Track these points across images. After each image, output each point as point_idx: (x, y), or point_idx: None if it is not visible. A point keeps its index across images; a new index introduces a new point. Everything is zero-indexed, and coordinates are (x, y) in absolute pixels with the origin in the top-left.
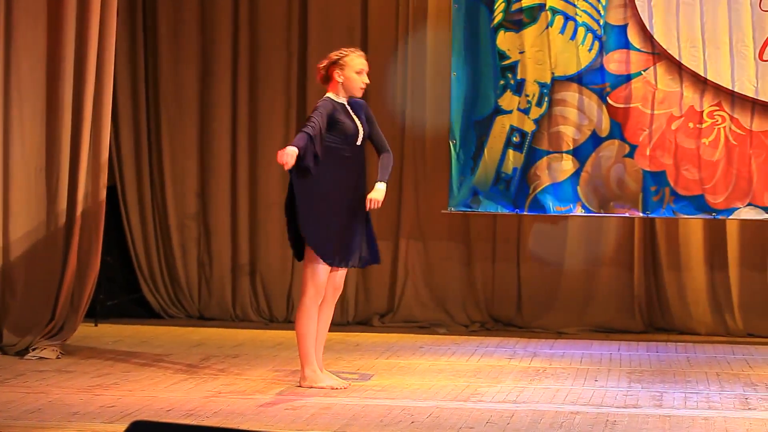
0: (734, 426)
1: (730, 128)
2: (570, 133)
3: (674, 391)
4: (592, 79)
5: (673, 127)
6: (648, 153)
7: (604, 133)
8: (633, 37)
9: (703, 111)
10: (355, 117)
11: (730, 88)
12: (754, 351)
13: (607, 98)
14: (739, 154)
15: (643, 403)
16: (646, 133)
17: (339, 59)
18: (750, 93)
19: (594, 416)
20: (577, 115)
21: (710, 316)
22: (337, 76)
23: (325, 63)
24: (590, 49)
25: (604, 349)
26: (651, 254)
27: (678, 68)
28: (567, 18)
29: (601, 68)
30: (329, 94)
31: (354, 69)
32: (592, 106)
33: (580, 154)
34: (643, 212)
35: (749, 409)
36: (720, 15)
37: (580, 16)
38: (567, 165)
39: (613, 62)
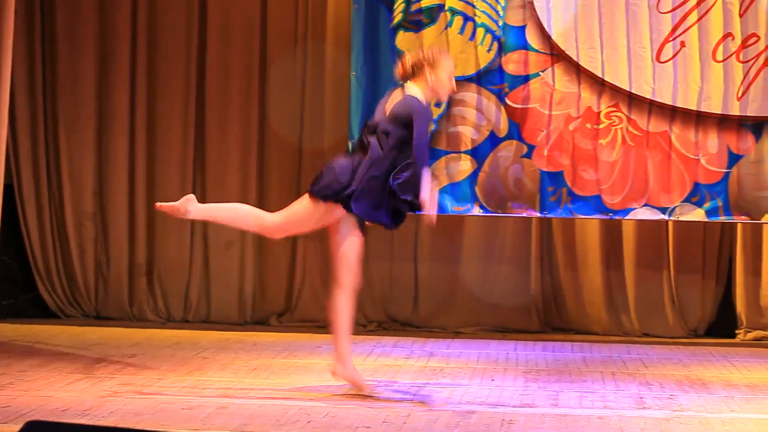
0: (629, 425)
1: (627, 129)
2: (468, 133)
3: (570, 391)
4: (491, 79)
5: (571, 128)
6: (546, 153)
7: (503, 134)
8: (531, 38)
9: (600, 112)
10: None
11: (628, 89)
12: (650, 350)
13: (506, 99)
14: (636, 155)
15: (539, 402)
16: (543, 134)
17: (432, 57)
18: (647, 94)
19: (490, 415)
20: (476, 115)
21: (606, 316)
22: (429, 74)
23: (413, 59)
24: (489, 50)
25: (501, 348)
26: (548, 254)
27: (576, 69)
28: (466, 19)
29: (500, 69)
30: (416, 92)
31: (447, 71)
32: (490, 106)
33: (478, 154)
34: (541, 212)
35: (644, 408)
36: (618, 17)
37: (479, 17)
38: (465, 165)
39: (512, 63)
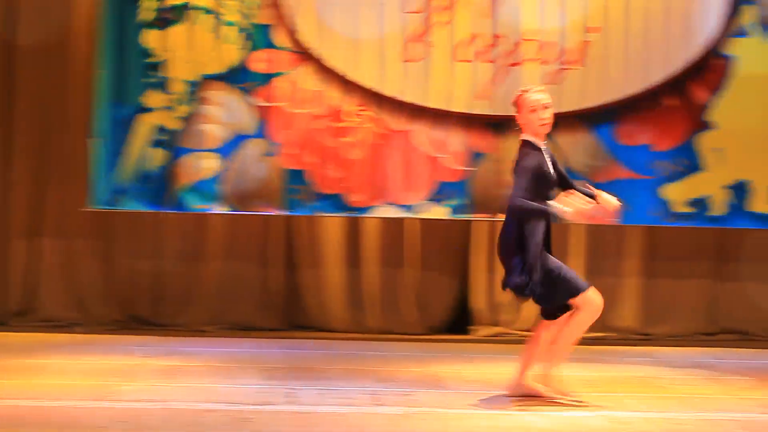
0: (368, 421)
1: (372, 128)
2: (215, 132)
3: (309, 388)
4: (238, 77)
5: (317, 127)
6: (291, 152)
7: (249, 132)
8: (280, 36)
9: (346, 111)
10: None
11: (374, 88)
12: (389, 347)
13: (253, 97)
14: (381, 153)
15: (278, 400)
16: (289, 132)
17: (515, 101)
18: (394, 93)
19: (227, 413)
20: (223, 113)
21: (347, 314)
22: (519, 119)
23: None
24: (237, 48)
25: (242, 346)
26: (290, 252)
27: (322, 69)
28: (214, 17)
29: (247, 67)
30: (527, 138)
31: (528, 108)
32: (237, 104)
33: (224, 152)
34: (284, 210)
35: (381, 404)
36: (366, 16)
37: (227, 15)
38: (211, 163)
39: (260, 61)
